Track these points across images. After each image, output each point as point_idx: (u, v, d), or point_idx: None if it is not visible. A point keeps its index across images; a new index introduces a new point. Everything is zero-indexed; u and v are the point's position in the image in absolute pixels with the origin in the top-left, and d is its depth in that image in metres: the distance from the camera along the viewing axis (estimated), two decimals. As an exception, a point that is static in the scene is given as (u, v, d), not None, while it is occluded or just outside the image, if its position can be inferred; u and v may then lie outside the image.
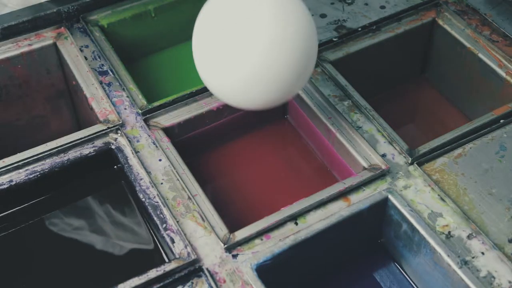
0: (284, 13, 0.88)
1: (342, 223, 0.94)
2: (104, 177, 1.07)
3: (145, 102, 1.08)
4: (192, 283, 0.87)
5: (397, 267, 1.02)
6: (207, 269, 0.88)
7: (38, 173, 1.00)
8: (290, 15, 0.89)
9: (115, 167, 1.06)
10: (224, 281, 0.87)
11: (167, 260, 0.97)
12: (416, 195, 0.97)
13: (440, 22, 1.25)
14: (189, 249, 0.89)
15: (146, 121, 1.06)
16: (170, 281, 0.87)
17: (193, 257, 0.88)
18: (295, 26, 0.88)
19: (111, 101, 1.09)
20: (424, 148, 1.02)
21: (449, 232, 0.92)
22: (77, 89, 1.14)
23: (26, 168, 1.00)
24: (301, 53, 0.90)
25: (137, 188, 0.97)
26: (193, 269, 0.88)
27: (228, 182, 1.11)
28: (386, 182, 0.99)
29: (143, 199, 0.96)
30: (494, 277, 0.88)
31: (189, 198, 0.96)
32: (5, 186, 0.98)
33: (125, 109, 1.08)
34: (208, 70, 0.93)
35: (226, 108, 1.09)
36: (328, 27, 1.22)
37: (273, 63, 0.88)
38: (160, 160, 1.01)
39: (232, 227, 0.93)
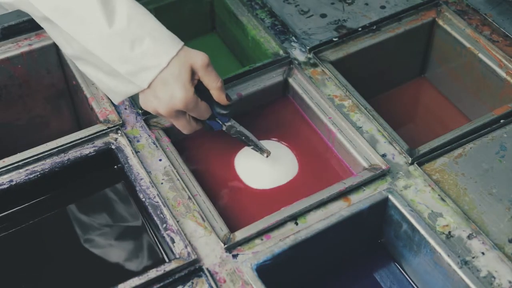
0: None
1: (342, 223, 0.94)
2: (104, 177, 1.07)
3: (145, 102, 1.08)
4: (192, 283, 0.87)
5: (397, 267, 1.02)
6: (207, 269, 0.88)
7: (38, 173, 1.00)
8: None
9: (115, 167, 1.06)
10: (224, 281, 0.87)
11: (167, 260, 0.97)
12: (416, 195, 0.97)
13: (440, 22, 1.25)
14: (189, 249, 0.89)
15: (146, 121, 1.06)
16: (170, 281, 0.87)
17: (193, 257, 0.88)
18: None
19: (111, 101, 1.08)
20: (424, 148, 1.02)
21: (449, 232, 0.92)
22: (77, 89, 1.14)
23: (26, 168, 1.00)
24: None
25: (137, 188, 0.97)
26: (193, 269, 0.88)
27: (228, 182, 1.11)
28: (386, 182, 0.99)
29: (143, 199, 0.96)
30: (494, 277, 0.88)
31: (189, 198, 0.96)
32: (5, 186, 0.98)
33: (125, 109, 1.08)
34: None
35: (226, 108, 1.09)
36: (328, 27, 1.22)
37: None
38: (160, 160, 1.01)
39: (232, 227, 0.93)
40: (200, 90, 0.98)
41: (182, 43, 0.96)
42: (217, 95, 0.98)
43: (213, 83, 0.97)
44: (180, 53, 0.94)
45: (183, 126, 1.00)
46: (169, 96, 0.94)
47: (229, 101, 1.00)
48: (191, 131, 1.02)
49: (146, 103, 0.97)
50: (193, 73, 0.95)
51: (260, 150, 1.05)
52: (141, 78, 0.94)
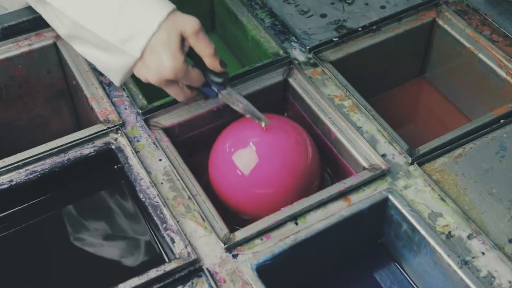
0: None
1: (342, 223, 0.94)
2: (104, 177, 1.07)
3: (145, 102, 1.08)
4: (192, 283, 0.87)
5: (397, 267, 1.02)
6: (207, 269, 0.88)
7: (38, 173, 1.00)
8: None
9: (115, 167, 1.06)
10: (224, 281, 0.87)
11: (167, 260, 0.97)
12: (416, 195, 0.97)
13: (440, 22, 1.25)
14: (189, 249, 0.89)
15: (146, 121, 1.06)
16: (170, 281, 0.87)
17: (193, 257, 0.88)
18: None
19: (111, 101, 1.09)
20: (424, 148, 1.02)
21: (449, 232, 0.92)
22: (77, 89, 1.14)
23: (26, 168, 1.00)
24: None
25: (137, 188, 0.97)
26: (193, 269, 0.88)
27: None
28: (386, 182, 0.99)
29: (143, 199, 0.96)
30: (494, 277, 0.88)
31: (189, 198, 0.96)
32: (5, 186, 0.98)
33: (125, 109, 1.08)
34: None
35: (226, 108, 1.09)
36: (328, 27, 1.22)
37: None
38: (160, 160, 1.01)
39: (232, 227, 0.93)
40: (193, 56, 0.95)
41: (173, 6, 0.93)
42: (210, 62, 0.95)
43: (205, 50, 0.93)
44: (170, 17, 0.91)
45: (176, 94, 0.98)
46: (157, 65, 0.92)
47: (223, 68, 0.96)
48: (186, 99, 1.00)
49: (138, 73, 0.96)
50: (183, 39, 0.92)
51: (258, 119, 1.01)
52: (132, 45, 0.92)
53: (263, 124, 1.01)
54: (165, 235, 0.92)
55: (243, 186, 1.00)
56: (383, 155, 1.02)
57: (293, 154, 1.02)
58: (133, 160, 1.01)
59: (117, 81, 1.01)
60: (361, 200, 0.96)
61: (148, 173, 0.99)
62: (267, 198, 1.01)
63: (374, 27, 1.22)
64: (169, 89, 0.97)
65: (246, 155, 1.00)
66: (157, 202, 0.95)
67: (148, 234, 1.02)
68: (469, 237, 0.92)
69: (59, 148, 1.02)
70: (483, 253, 0.90)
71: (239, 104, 1.01)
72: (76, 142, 1.02)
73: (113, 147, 1.03)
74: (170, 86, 0.96)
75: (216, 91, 1.00)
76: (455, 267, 0.89)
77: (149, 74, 0.94)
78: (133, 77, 1.13)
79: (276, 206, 0.96)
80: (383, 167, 0.99)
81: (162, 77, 0.93)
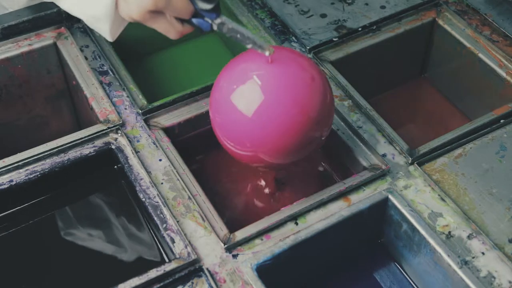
0: None
1: (342, 223, 0.94)
2: (104, 177, 1.07)
3: (145, 102, 1.08)
4: (192, 283, 0.87)
5: (397, 267, 1.02)
6: (207, 269, 0.88)
7: (38, 173, 1.00)
8: None
9: (115, 167, 1.06)
10: (224, 281, 0.87)
11: (167, 260, 0.97)
12: (416, 195, 0.97)
13: (440, 22, 1.25)
14: (189, 249, 0.89)
15: (146, 121, 1.06)
16: (170, 281, 0.87)
17: (193, 257, 0.88)
18: None
19: (111, 101, 1.09)
20: (424, 148, 1.02)
21: (449, 232, 0.93)
22: (77, 89, 1.14)
23: (26, 168, 1.00)
24: None
25: (137, 188, 0.97)
26: (193, 269, 0.88)
27: (228, 182, 1.11)
28: (386, 182, 0.99)
29: (143, 199, 0.96)
30: (494, 277, 0.88)
31: (189, 198, 0.96)
32: (5, 186, 0.98)
33: (125, 109, 1.08)
34: None
35: (226, 108, 1.09)
36: (328, 27, 1.22)
37: None
38: (160, 160, 1.01)
39: (232, 227, 0.93)
40: None
41: None
42: None
43: None
44: None
45: (166, 30, 0.91)
46: None
47: None
48: (178, 35, 0.92)
49: (122, 12, 0.91)
50: None
51: (260, 47, 0.88)
52: None
53: (267, 53, 0.87)
54: (165, 235, 0.92)
55: (246, 129, 0.87)
56: (383, 155, 1.02)
57: (308, 92, 0.88)
58: (133, 160, 1.01)
59: (107, 33, 0.96)
60: (361, 200, 0.96)
61: (148, 173, 0.99)
62: (272, 144, 0.88)
63: (374, 27, 1.22)
64: (156, 24, 0.90)
65: (248, 92, 0.87)
66: (157, 202, 0.95)
67: (148, 234, 1.02)
68: (469, 237, 0.92)
69: (59, 148, 1.02)
70: (483, 253, 0.90)
71: (237, 33, 0.89)
72: (76, 142, 1.02)
73: (113, 147, 1.03)
74: (157, 20, 0.89)
75: (209, 21, 0.89)
76: (455, 267, 0.89)
77: (131, 9, 0.88)
78: (134, 77, 1.13)
79: (282, 153, 0.86)
80: (383, 167, 0.99)
81: (143, 8, 0.86)
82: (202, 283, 0.87)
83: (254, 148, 0.89)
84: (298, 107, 0.86)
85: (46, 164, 1.01)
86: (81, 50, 1.16)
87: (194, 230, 0.93)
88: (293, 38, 1.21)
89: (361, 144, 1.03)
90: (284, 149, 0.87)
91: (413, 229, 0.94)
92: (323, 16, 1.25)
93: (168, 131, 1.06)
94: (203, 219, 0.93)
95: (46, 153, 1.01)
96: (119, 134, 1.04)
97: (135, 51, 1.29)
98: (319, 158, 1.13)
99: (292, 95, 0.86)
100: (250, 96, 0.86)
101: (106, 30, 0.96)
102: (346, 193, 0.97)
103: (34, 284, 0.99)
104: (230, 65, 0.92)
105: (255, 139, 0.88)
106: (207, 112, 1.09)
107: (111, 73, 1.13)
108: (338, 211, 0.95)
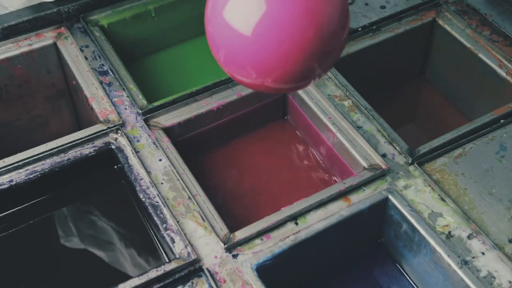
0: None
1: (342, 223, 0.94)
2: (104, 177, 1.07)
3: (145, 102, 1.08)
4: (192, 283, 0.87)
5: (397, 267, 1.02)
6: (207, 269, 0.88)
7: (38, 173, 1.00)
8: None
9: (115, 167, 1.06)
10: (224, 281, 0.87)
11: (167, 260, 0.97)
12: (416, 195, 0.97)
13: (440, 22, 1.25)
14: (189, 249, 0.89)
15: (146, 121, 1.06)
16: (170, 281, 0.87)
17: (193, 257, 0.88)
18: None
19: (111, 101, 1.09)
20: (424, 148, 1.02)
21: (449, 232, 0.93)
22: (77, 89, 1.14)
23: (26, 168, 1.00)
24: None
25: (137, 188, 0.97)
26: (193, 269, 0.88)
27: (228, 182, 1.11)
28: (386, 182, 0.99)
29: (143, 199, 0.96)
30: (494, 277, 0.88)
31: (189, 198, 0.96)
32: (5, 186, 0.98)
33: (125, 109, 1.08)
34: None
35: (226, 108, 1.09)
36: (328, 27, 1.22)
37: None
38: (160, 160, 1.01)
39: (232, 227, 0.93)
40: None
41: None
42: None
43: None
44: None
45: None
46: None
47: None
48: None
49: None
50: None
51: None
52: None
53: None
54: (165, 235, 0.92)
55: (247, 50, 0.73)
56: (383, 155, 1.02)
57: (324, 1, 0.72)
58: (133, 160, 1.01)
59: None
60: (361, 200, 0.96)
61: (148, 173, 0.99)
62: (277, 61, 0.73)
63: (374, 27, 1.22)
64: None
65: (246, 1, 0.71)
66: (157, 202, 0.95)
67: (148, 234, 1.02)
68: (469, 237, 0.92)
69: (59, 148, 1.02)
70: (483, 253, 0.90)
71: None
72: (76, 142, 1.02)
73: (113, 147, 1.03)
74: None
75: None
76: (455, 267, 0.89)
77: None
78: (134, 77, 1.13)
79: (290, 70, 0.73)
80: (383, 167, 0.99)
81: None
82: (202, 283, 0.87)
83: (258, 75, 0.74)
84: (309, 19, 0.70)
85: (46, 164, 1.01)
86: (81, 50, 1.17)
87: (194, 230, 0.93)
88: (293, 38, 1.21)
89: (361, 144, 1.03)
90: (289, 73, 0.73)
91: (413, 229, 0.94)
92: (323, 16, 1.25)
93: (168, 131, 1.06)
94: (203, 219, 0.93)
95: (46, 153, 1.01)
96: (119, 134, 1.04)
97: (135, 51, 1.29)
98: (319, 157, 1.14)
99: (304, 1, 0.70)
100: (247, 7, 0.71)
101: None
102: (346, 193, 0.97)
103: (34, 284, 0.99)
104: None
105: (258, 63, 0.73)
106: (207, 112, 1.09)
107: (111, 73, 1.13)
108: (338, 211, 0.95)
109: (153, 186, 0.97)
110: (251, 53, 0.72)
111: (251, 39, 0.71)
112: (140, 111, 1.07)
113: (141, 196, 0.96)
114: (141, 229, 1.03)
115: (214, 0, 0.74)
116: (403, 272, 1.01)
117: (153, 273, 0.87)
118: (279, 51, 0.71)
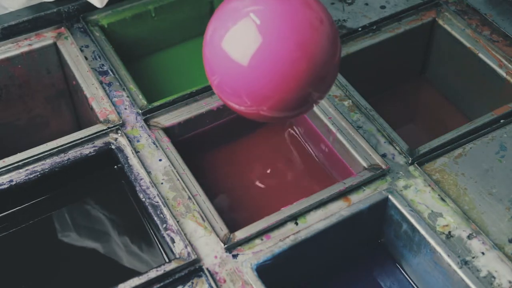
0: None
1: (342, 223, 0.94)
2: (104, 177, 1.07)
3: (145, 102, 1.08)
4: (192, 283, 0.87)
5: (397, 267, 1.02)
6: (207, 269, 0.88)
7: (38, 173, 1.00)
8: None
9: (115, 167, 1.06)
10: (224, 281, 0.87)
11: (167, 260, 0.97)
12: (416, 195, 0.97)
13: (440, 22, 1.25)
14: (189, 249, 0.89)
15: (146, 121, 1.06)
16: (170, 281, 0.87)
17: (193, 257, 0.88)
18: None
19: (111, 101, 1.09)
20: (424, 148, 1.02)
21: (449, 232, 0.93)
22: (77, 89, 1.14)
23: (26, 168, 1.00)
24: None
25: (137, 188, 0.97)
26: (193, 269, 0.88)
27: (228, 182, 1.11)
28: (386, 182, 0.99)
29: (143, 199, 0.96)
30: (494, 277, 0.88)
31: (189, 198, 0.96)
32: (5, 186, 0.98)
33: (125, 109, 1.08)
34: None
35: (226, 108, 1.09)
36: (328, 27, 1.22)
37: None
38: (160, 160, 1.01)
39: (232, 227, 0.93)
40: None
41: None
42: None
43: None
44: None
45: None
46: None
47: None
48: None
49: None
50: None
51: None
52: None
53: None
54: (165, 235, 0.92)
55: (242, 80, 0.75)
56: (383, 155, 1.02)
57: (314, 34, 0.75)
58: (133, 160, 1.01)
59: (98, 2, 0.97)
60: (361, 200, 0.96)
61: (148, 173, 0.99)
62: (272, 91, 0.76)
63: (374, 27, 1.22)
64: None
65: (243, 33, 0.73)
66: (157, 202, 0.95)
67: (148, 234, 1.02)
68: (469, 237, 0.92)
69: (59, 148, 1.02)
70: (483, 253, 0.90)
71: None
72: (76, 142, 1.02)
73: (113, 147, 1.03)
74: None
75: None
76: (455, 267, 0.89)
77: None
78: (134, 77, 1.13)
79: (283, 106, 0.76)
80: (383, 167, 0.99)
81: None
82: (202, 283, 0.87)
83: (253, 103, 0.78)
84: (301, 51, 0.73)
85: (46, 164, 1.01)
86: (81, 50, 1.17)
87: (194, 230, 0.93)
88: (293, 38, 1.21)
89: (361, 144, 1.03)
90: (284, 102, 0.76)
91: (413, 229, 0.94)
92: (323, 16, 1.25)
93: (168, 131, 1.06)
94: (203, 219, 0.93)
95: (46, 153, 1.01)
96: (119, 134, 1.04)
97: (135, 51, 1.29)
98: (319, 157, 1.14)
99: (297, 36, 0.72)
100: (244, 39, 0.72)
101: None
102: (346, 193, 0.97)
103: (34, 284, 0.99)
104: (221, 5, 0.78)
105: (253, 92, 0.76)
106: (207, 112, 1.09)
107: (111, 73, 1.13)
108: (338, 211, 0.95)
109: (153, 186, 0.97)
110: (247, 82, 0.75)
111: (247, 69, 0.74)
112: (140, 111, 1.07)
113: (141, 196, 0.96)
114: (141, 229, 1.03)
115: (214, 28, 0.77)
116: (403, 272, 1.01)
117: (153, 273, 0.86)
118: (274, 80, 0.74)
